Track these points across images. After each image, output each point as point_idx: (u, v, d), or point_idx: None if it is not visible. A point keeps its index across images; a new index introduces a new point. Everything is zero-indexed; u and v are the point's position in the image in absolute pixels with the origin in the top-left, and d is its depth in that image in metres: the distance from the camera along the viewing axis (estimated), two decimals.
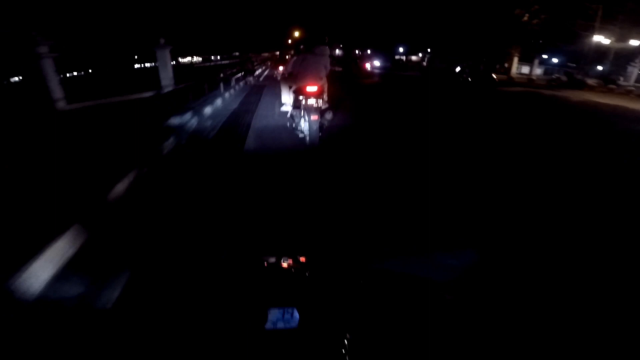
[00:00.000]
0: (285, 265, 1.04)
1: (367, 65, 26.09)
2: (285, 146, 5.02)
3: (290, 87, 5.15)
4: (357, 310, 0.85)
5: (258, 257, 1.13)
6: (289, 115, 5.39)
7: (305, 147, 4.87)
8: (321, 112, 4.96)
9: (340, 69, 22.60)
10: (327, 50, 5.18)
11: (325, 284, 0.99)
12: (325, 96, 5.18)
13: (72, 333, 0.80)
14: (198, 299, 0.89)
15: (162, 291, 0.94)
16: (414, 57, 40.06)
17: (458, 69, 20.74)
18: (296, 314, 0.78)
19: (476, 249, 2.38)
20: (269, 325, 0.76)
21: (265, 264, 1.08)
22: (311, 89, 4.76)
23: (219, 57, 44.51)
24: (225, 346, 0.73)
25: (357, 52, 41.90)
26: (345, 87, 13.08)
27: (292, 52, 5.78)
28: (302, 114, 4.89)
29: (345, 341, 0.73)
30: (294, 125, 5.22)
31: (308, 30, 28.26)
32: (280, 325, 0.76)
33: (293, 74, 5.10)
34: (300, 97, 4.81)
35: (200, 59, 47.60)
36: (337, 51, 51.16)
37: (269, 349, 0.72)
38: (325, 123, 5.17)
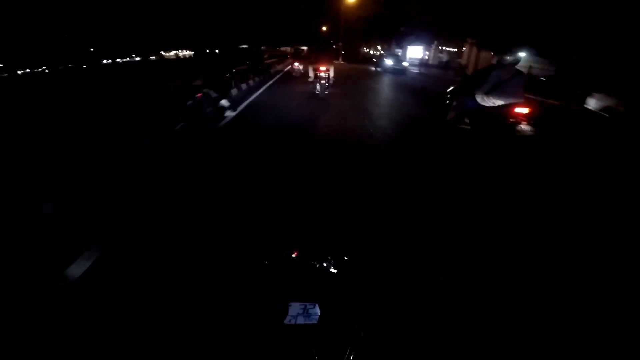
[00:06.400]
0: (308, 259, 1.01)
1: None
2: (308, 95, 10.25)
3: (312, 68, 10.25)
4: (373, 310, 0.83)
5: (280, 250, 1.10)
6: (310, 81, 10.49)
7: (318, 96, 9.92)
8: (327, 80, 9.99)
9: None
10: (332, 46, 10.24)
11: (350, 281, 0.95)
12: (331, 73, 10.15)
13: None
14: (214, 292, 0.93)
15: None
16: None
17: None
18: (317, 310, 0.76)
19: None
20: (288, 319, 0.75)
21: (288, 258, 1.05)
22: (322, 68, 9.82)
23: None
24: (241, 339, 0.74)
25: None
26: None
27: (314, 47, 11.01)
28: (317, 81, 9.94)
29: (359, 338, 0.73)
30: (312, 87, 10.32)
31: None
32: (300, 320, 0.75)
33: (313, 60, 10.20)
34: (316, 73, 9.89)
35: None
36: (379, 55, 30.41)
37: (285, 343, 0.71)
38: (330, 87, 10.17)
